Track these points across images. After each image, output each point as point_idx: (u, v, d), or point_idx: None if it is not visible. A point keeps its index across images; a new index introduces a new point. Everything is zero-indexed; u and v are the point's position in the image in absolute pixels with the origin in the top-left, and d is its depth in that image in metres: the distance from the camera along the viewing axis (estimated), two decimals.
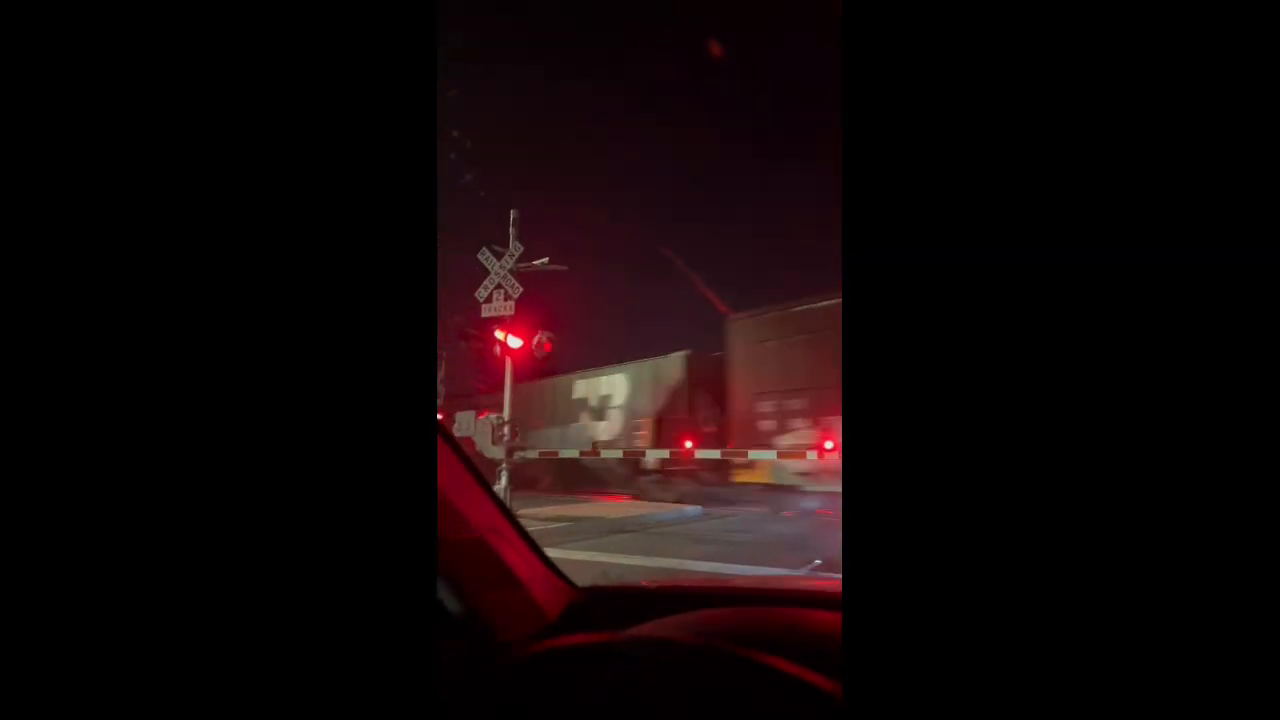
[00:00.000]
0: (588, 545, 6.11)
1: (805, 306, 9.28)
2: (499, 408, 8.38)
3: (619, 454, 10.92)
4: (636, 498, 10.54)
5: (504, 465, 8.84)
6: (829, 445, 8.42)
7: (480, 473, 0.73)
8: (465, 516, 0.69)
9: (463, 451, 0.71)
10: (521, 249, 8.73)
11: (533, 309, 8.61)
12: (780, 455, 9.01)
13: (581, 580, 0.91)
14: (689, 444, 10.06)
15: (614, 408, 11.48)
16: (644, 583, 1.09)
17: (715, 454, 9.75)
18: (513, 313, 8.66)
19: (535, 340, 8.96)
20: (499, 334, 8.54)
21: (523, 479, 10.28)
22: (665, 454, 10.29)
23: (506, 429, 8.85)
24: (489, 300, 8.88)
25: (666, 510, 8.97)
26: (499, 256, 8.86)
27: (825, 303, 8.94)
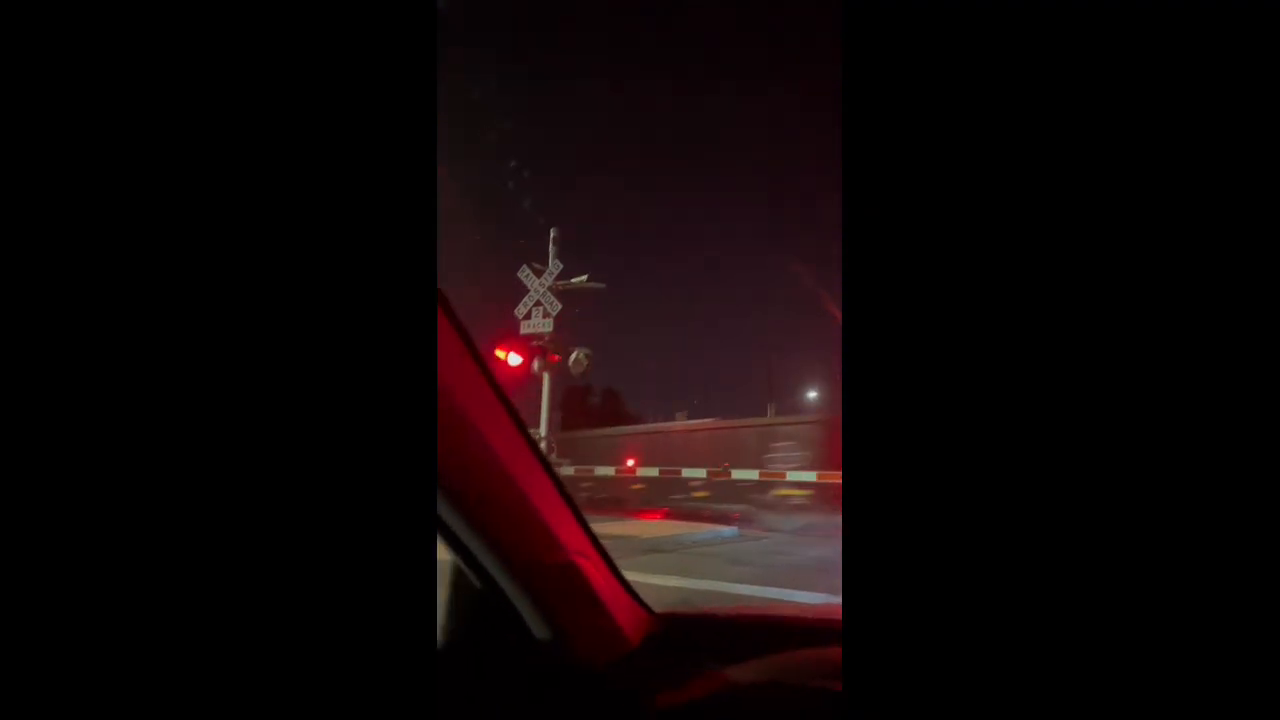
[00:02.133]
0: (627, 564, 6.05)
1: None
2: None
3: (655, 471, 10.87)
4: (669, 515, 10.44)
5: None
6: None
7: (570, 493, 0.73)
8: (557, 538, 0.69)
9: (555, 472, 0.71)
10: (560, 266, 8.86)
11: (570, 326, 8.70)
12: (820, 477, 8.86)
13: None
14: (726, 464, 10.01)
15: None
16: (711, 609, 1.06)
17: (754, 474, 9.63)
18: (551, 330, 8.77)
19: (572, 357, 9.03)
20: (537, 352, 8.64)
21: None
22: (703, 473, 10.22)
23: (543, 444, 8.91)
24: (528, 317, 9.02)
25: (702, 530, 8.83)
26: (539, 274, 9.02)
27: None
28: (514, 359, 8.77)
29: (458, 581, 0.71)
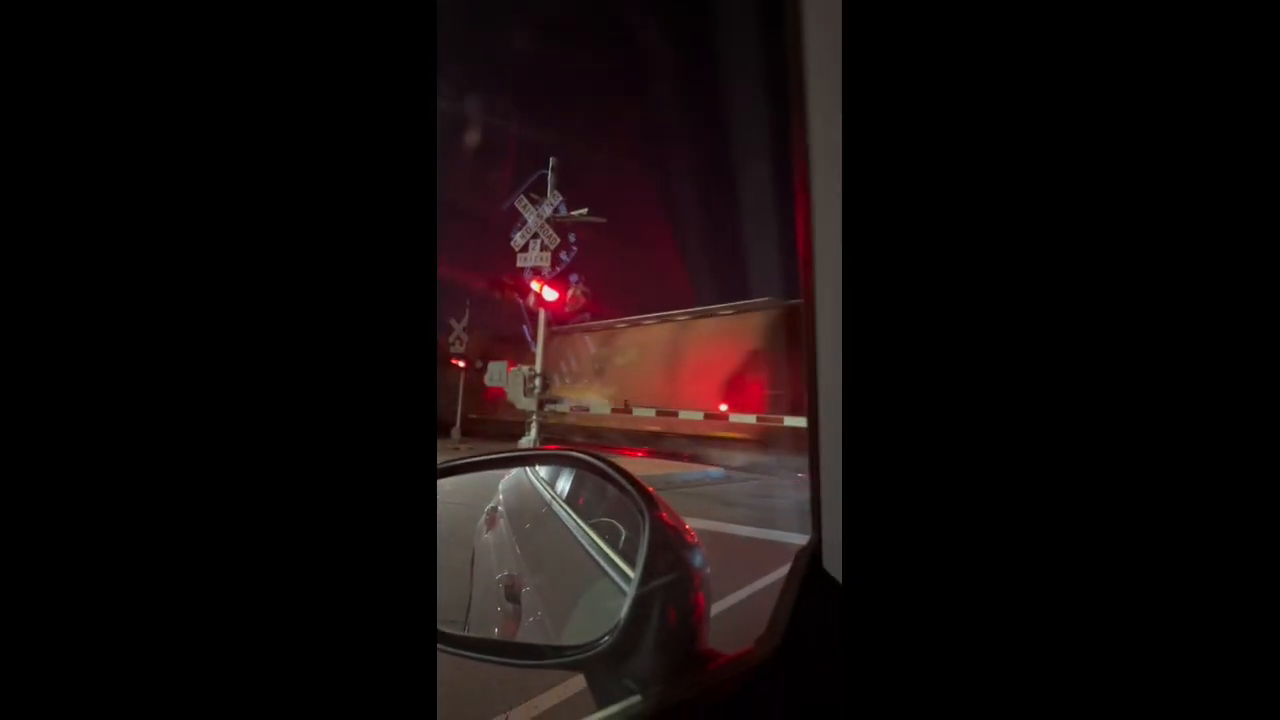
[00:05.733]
0: None
1: None
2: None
3: (652, 412, 10.91)
4: (655, 454, 10.57)
5: (534, 417, 8.88)
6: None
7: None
8: None
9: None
10: (560, 198, 8.51)
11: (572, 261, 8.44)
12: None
13: None
14: (723, 407, 10.05)
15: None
16: None
17: (751, 419, 9.66)
18: (549, 264, 8.52)
19: (570, 291, 8.84)
20: (535, 285, 8.42)
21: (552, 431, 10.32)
22: (699, 415, 10.25)
23: (538, 381, 8.85)
24: (525, 250, 8.74)
25: (691, 470, 8.96)
26: (536, 205, 8.66)
27: None
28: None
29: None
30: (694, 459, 10.11)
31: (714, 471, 9.19)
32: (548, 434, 9.35)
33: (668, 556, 0.49)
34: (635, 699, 0.45)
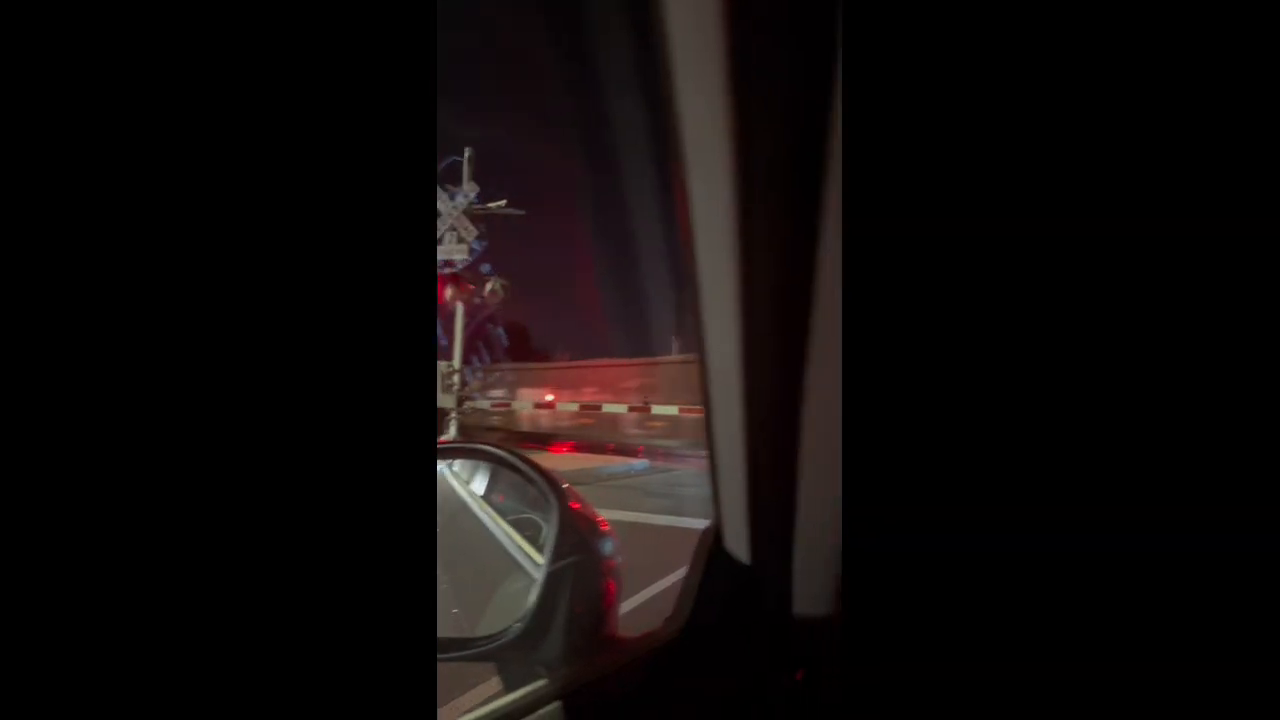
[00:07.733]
0: None
1: None
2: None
3: (575, 406, 10.89)
4: (582, 448, 10.59)
5: (454, 415, 8.61)
6: None
7: None
8: None
9: None
10: (476, 189, 8.26)
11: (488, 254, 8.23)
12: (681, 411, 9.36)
13: None
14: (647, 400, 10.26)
15: None
16: None
17: (673, 409, 9.86)
18: (466, 256, 8.26)
19: (489, 287, 8.62)
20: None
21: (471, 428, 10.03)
22: (624, 408, 10.36)
23: (456, 377, 8.58)
24: (440, 242, 8.42)
25: (615, 463, 9.03)
26: (451, 196, 8.37)
27: None
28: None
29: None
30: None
31: (638, 464, 9.30)
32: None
33: (573, 539, 0.51)
34: (541, 682, 0.47)
